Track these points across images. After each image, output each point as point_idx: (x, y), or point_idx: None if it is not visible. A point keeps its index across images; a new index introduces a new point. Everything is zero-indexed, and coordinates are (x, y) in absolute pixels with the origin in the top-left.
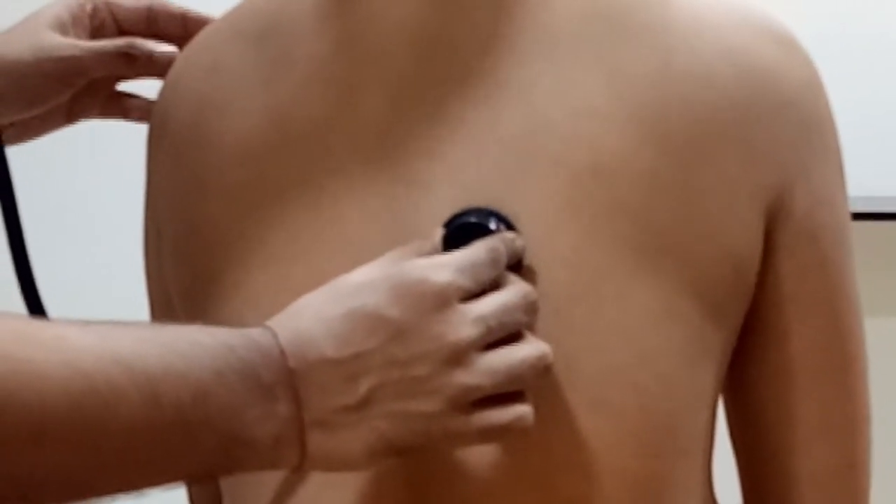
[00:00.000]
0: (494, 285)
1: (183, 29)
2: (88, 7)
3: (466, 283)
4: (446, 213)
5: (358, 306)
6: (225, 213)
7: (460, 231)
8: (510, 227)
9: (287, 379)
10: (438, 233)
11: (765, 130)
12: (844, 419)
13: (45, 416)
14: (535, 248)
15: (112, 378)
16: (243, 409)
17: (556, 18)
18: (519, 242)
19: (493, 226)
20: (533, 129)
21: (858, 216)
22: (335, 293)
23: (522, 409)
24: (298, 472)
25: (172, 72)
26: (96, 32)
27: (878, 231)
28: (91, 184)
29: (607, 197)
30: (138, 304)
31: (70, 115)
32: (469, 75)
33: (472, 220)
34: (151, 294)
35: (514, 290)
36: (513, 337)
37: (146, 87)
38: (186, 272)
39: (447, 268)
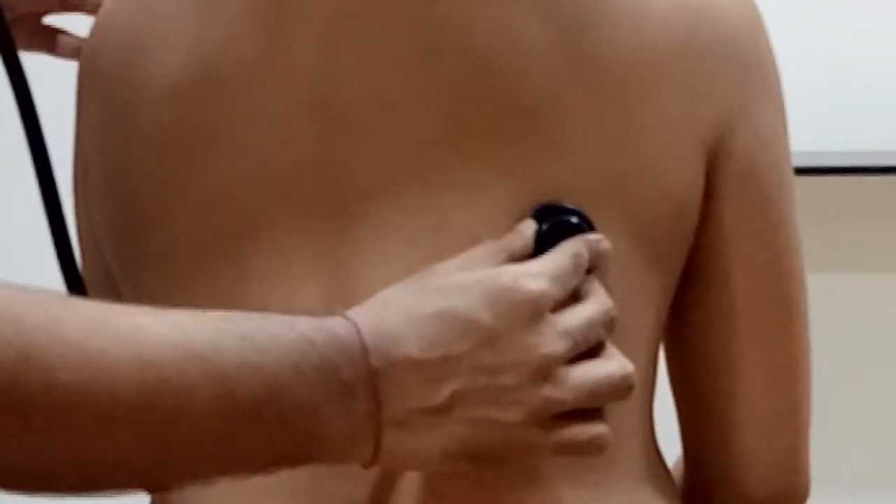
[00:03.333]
0: (576, 290)
1: None
2: None
3: (558, 293)
4: (382, 157)
5: (448, 307)
6: (154, 155)
7: (550, 230)
8: (590, 224)
9: (368, 377)
10: (530, 229)
11: (704, 68)
12: (786, 363)
13: (115, 407)
14: (473, 192)
15: (185, 370)
16: (319, 405)
17: None
18: (604, 244)
19: (581, 225)
20: (470, 70)
21: (803, 171)
22: (425, 290)
23: (601, 429)
24: (370, 467)
25: (103, 11)
26: None
27: (821, 186)
28: None
29: (546, 139)
30: None
31: None
32: (404, 16)
33: (572, 220)
34: (80, 233)
35: (598, 304)
36: (592, 350)
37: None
38: (115, 212)
39: (541, 277)
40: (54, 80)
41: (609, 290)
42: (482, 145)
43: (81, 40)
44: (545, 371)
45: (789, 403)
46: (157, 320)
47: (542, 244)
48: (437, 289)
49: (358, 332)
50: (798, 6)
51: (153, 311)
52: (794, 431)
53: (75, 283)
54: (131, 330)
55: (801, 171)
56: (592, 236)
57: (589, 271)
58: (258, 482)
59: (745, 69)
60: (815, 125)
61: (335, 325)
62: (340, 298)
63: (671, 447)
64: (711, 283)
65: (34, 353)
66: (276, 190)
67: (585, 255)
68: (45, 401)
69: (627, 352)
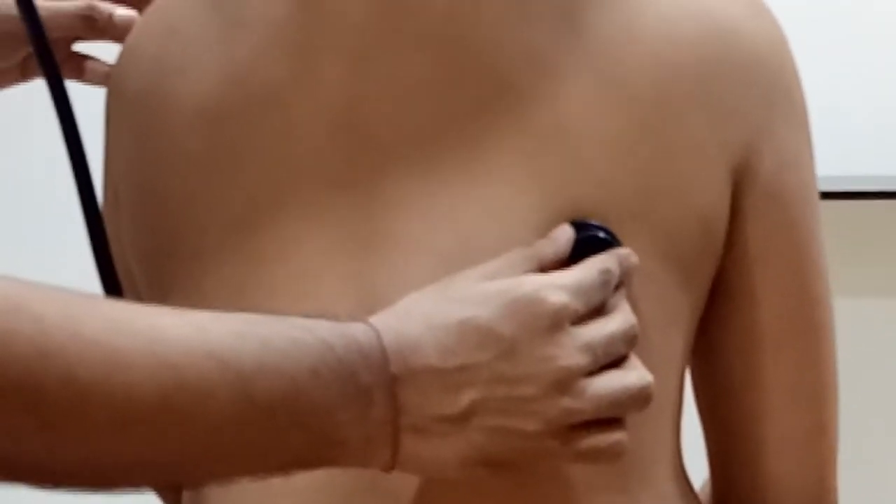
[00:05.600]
0: (601, 304)
1: None
2: None
3: (580, 307)
4: (408, 177)
5: (469, 317)
6: (183, 179)
7: (579, 244)
8: (618, 241)
9: (387, 383)
10: (565, 236)
11: (730, 90)
12: (812, 384)
13: (131, 406)
14: (499, 212)
15: (203, 372)
16: (336, 410)
17: None
18: (633, 259)
19: (610, 241)
20: (496, 90)
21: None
22: (447, 299)
23: (619, 436)
24: (388, 471)
25: (131, 36)
26: None
27: (846, 211)
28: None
29: (573, 158)
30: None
31: (24, 72)
32: (430, 36)
33: (600, 235)
34: (115, 256)
35: (620, 320)
36: (613, 363)
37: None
38: (145, 237)
39: (564, 290)
40: (96, 102)
41: (636, 307)
42: (509, 164)
43: (110, 66)
44: (564, 383)
45: (816, 425)
46: (177, 321)
47: (570, 257)
48: (459, 298)
49: (378, 338)
50: (826, 29)
51: (174, 312)
52: (822, 453)
53: (112, 285)
54: (151, 330)
55: (827, 196)
56: (622, 251)
57: (617, 287)
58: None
59: (771, 92)
60: (843, 149)
61: (356, 331)
62: (367, 315)
63: (697, 469)
64: (738, 302)
65: (53, 351)
66: (303, 211)
67: (616, 270)
68: (63, 398)
69: (655, 369)
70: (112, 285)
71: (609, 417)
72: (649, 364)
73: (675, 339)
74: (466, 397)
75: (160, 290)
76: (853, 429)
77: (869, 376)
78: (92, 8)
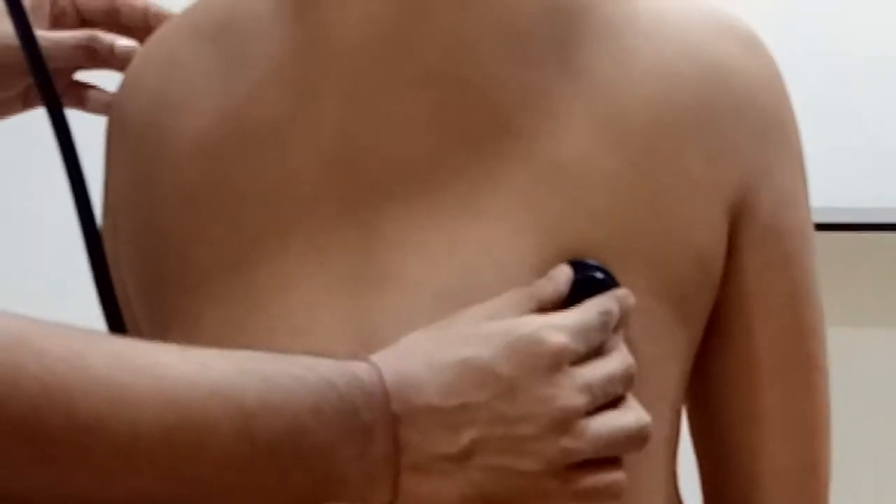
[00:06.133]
0: (601, 344)
1: (144, 21)
2: None
3: (579, 347)
4: (406, 214)
5: (470, 357)
6: (183, 215)
7: (577, 284)
8: (615, 281)
9: (388, 421)
10: (564, 276)
11: (727, 129)
12: (806, 419)
13: (136, 442)
14: (498, 250)
15: (207, 409)
16: (338, 447)
17: (518, 18)
18: (631, 300)
19: (608, 281)
20: (494, 130)
21: (823, 227)
22: (448, 338)
23: (617, 476)
24: None
25: (132, 67)
26: (57, 21)
27: (841, 242)
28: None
29: (571, 197)
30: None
31: (27, 101)
32: (428, 75)
33: (598, 276)
34: (115, 282)
35: (618, 361)
36: (611, 402)
37: (105, 78)
38: (143, 270)
39: (563, 331)
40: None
41: (633, 345)
42: (506, 203)
43: (111, 95)
44: (562, 423)
45: (810, 458)
46: (180, 358)
47: (568, 297)
48: (460, 337)
49: (380, 376)
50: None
51: (177, 348)
52: (815, 487)
53: (115, 322)
54: (154, 366)
55: (822, 227)
56: (620, 292)
57: (615, 328)
58: None
59: (768, 131)
60: (836, 181)
61: (357, 369)
62: (367, 353)
63: (693, 499)
64: (733, 337)
65: (57, 386)
66: (302, 248)
67: (615, 312)
68: (67, 433)
69: (652, 406)
70: (114, 318)
71: (607, 457)
72: (646, 399)
73: (672, 373)
74: (466, 436)
75: (159, 322)
76: (844, 461)
77: (858, 404)
78: (93, 39)
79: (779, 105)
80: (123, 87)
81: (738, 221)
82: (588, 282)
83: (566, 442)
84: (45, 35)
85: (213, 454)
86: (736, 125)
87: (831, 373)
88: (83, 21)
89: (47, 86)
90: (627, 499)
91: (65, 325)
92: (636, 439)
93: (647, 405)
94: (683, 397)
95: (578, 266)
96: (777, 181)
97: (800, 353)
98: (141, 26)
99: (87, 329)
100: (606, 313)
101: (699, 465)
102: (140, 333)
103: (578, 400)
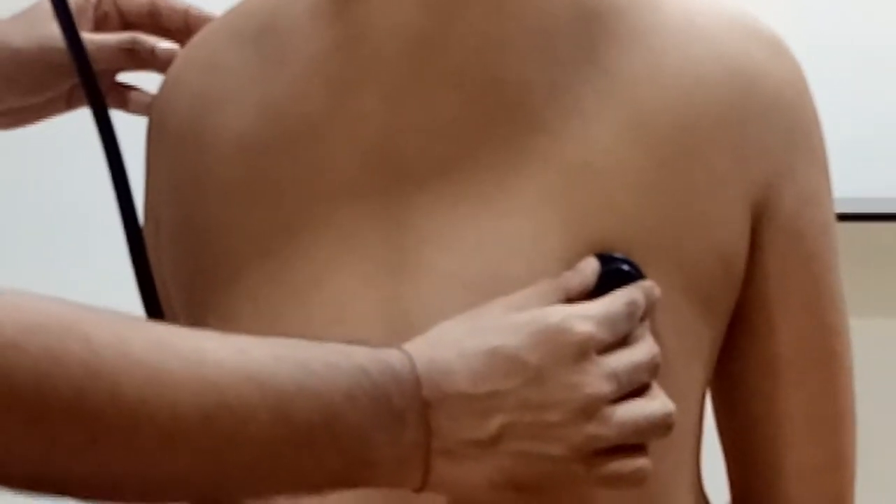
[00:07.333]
0: (627, 334)
1: (185, 24)
2: None
3: (606, 336)
4: (439, 209)
5: (499, 345)
6: (222, 209)
7: (604, 276)
8: (641, 273)
9: (420, 407)
10: (591, 268)
11: (753, 130)
12: (829, 415)
13: (176, 425)
14: (526, 245)
15: (244, 394)
16: (371, 433)
17: (548, 20)
18: (656, 292)
19: (635, 273)
20: (525, 128)
21: (847, 217)
22: (477, 328)
23: (642, 462)
24: (419, 492)
25: (172, 68)
26: (100, 23)
27: (867, 232)
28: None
29: (599, 194)
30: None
31: (70, 101)
32: (462, 75)
33: (624, 268)
34: (157, 281)
35: (644, 350)
36: (636, 391)
37: (146, 79)
38: (184, 264)
39: (590, 320)
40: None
41: (659, 338)
42: (536, 199)
43: (152, 97)
44: (589, 409)
45: (834, 454)
46: (220, 344)
47: (595, 289)
48: (489, 327)
49: (412, 363)
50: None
51: (217, 335)
52: (840, 482)
53: (154, 309)
54: (195, 352)
55: (845, 217)
56: (646, 283)
57: (641, 318)
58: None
59: (791, 131)
60: (860, 171)
61: (390, 357)
62: (399, 342)
63: (718, 497)
64: (757, 335)
65: (102, 370)
66: (338, 240)
67: (641, 302)
68: (112, 415)
69: (676, 398)
70: (154, 309)
71: (632, 444)
72: (671, 393)
73: (696, 369)
74: (495, 422)
75: (198, 315)
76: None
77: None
78: (135, 41)
79: (803, 107)
80: (164, 88)
81: (760, 221)
82: (614, 273)
83: (592, 428)
84: (88, 37)
85: (251, 437)
86: (761, 127)
87: (856, 365)
88: (125, 24)
89: (93, 87)
90: (653, 490)
91: (109, 310)
92: (661, 426)
93: (672, 397)
94: (706, 391)
95: (605, 259)
96: (800, 181)
97: (823, 351)
98: (181, 29)
99: (131, 316)
100: (632, 303)
101: (725, 458)
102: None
103: (605, 387)
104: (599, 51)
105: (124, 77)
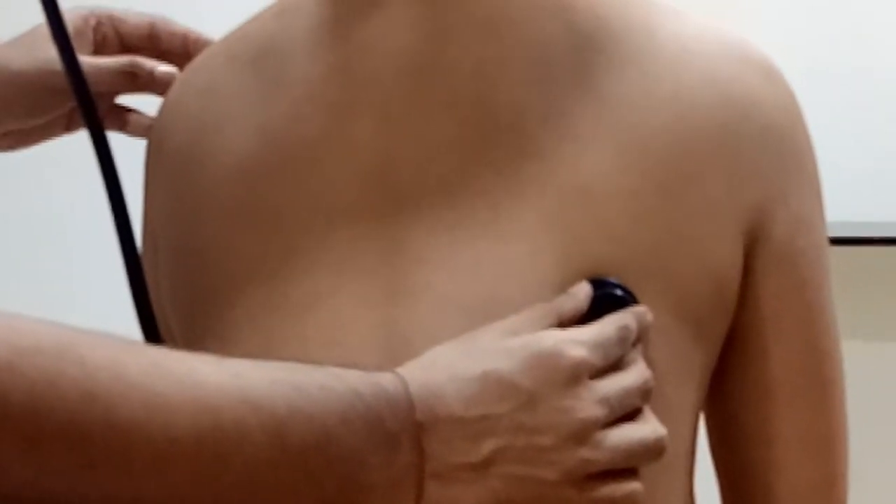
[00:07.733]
0: (619, 358)
1: (184, 48)
2: (92, 21)
3: (598, 361)
4: (435, 232)
5: (492, 369)
6: (221, 232)
7: (597, 300)
8: (634, 298)
9: (413, 430)
10: (584, 292)
11: (746, 155)
12: (822, 438)
13: (170, 447)
14: (521, 268)
15: (239, 417)
16: (365, 455)
17: (543, 45)
18: (649, 317)
19: (628, 299)
20: (520, 152)
21: (839, 241)
22: (471, 352)
23: (634, 486)
24: None
25: (171, 92)
26: (99, 46)
27: (859, 256)
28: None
29: (593, 219)
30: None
31: (69, 124)
32: (457, 97)
33: (617, 293)
34: (154, 303)
35: (636, 374)
36: (628, 415)
37: (145, 102)
38: (182, 287)
39: (583, 345)
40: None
41: (652, 362)
42: (530, 222)
43: (151, 119)
44: (581, 434)
45: (827, 476)
46: (215, 367)
47: (588, 313)
48: (483, 351)
49: (405, 387)
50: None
51: (211, 358)
52: (833, 502)
53: (151, 331)
54: (190, 375)
55: (837, 242)
56: (639, 308)
57: (633, 343)
58: None
59: (784, 156)
60: (851, 196)
61: (384, 380)
62: (396, 365)
63: None
64: (749, 358)
65: (97, 392)
66: (335, 263)
67: (634, 327)
68: (107, 437)
69: (668, 421)
70: (151, 331)
71: (624, 468)
72: (663, 416)
73: (688, 391)
74: (488, 446)
75: (196, 336)
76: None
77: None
78: (134, 64)
79: (796, 132)
80: (163, 111)
81: (753, 245)
82: (607, 298)
83: (584, 452)
84: (87, 60)
85: (245, 460)
86: (755, 151)
87: (848, 386)
88: (125, 47)
89: (90, 110)
90: None
91: (106, 334)
92: (653, 450)
93: (664, 420)
94: (699, 414)
95: (598, 283)
96: (793, 206)
97: (815, 375)
98: (180, 52)
99: (126, 339)
100: (625, 328)
101: (719, 480)
102: (178, 347)
103: (597, 412)
104: (594, 75)
105: (123, 100)
